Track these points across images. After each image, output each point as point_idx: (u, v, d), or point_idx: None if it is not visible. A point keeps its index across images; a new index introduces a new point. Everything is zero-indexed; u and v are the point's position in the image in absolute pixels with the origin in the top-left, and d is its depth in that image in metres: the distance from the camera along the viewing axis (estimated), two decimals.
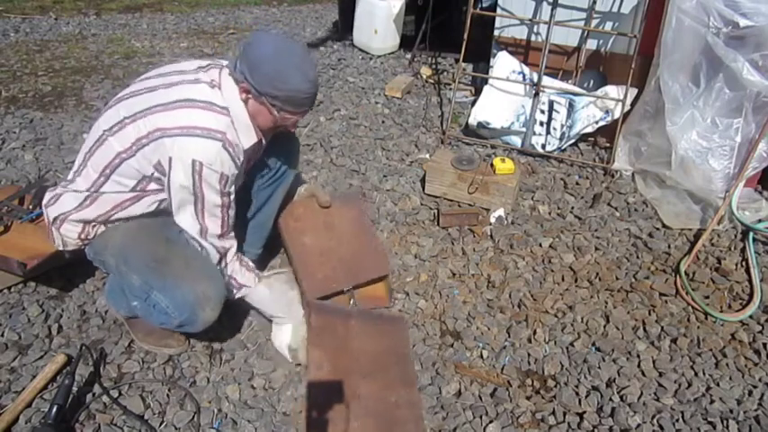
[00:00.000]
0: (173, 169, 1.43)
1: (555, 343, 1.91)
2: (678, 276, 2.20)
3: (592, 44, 3.31)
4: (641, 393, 1.72)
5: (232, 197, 1.56)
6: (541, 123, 3.14)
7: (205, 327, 1.60)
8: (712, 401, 1.70)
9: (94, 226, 1.62)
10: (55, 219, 1.60)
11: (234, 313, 1.91)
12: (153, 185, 1.54)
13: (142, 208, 1.60)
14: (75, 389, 1.60)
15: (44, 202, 1.65)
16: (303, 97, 1.49)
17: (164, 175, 1.47)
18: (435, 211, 2.59)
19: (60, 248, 1.67)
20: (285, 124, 1.58)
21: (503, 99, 3.24)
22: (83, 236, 1.62)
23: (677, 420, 1.64)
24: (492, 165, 2.63)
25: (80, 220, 1.60)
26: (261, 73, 1.43)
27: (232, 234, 1.64)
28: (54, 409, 1.48)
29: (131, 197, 1.57)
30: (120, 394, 1.66)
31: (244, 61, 1.45)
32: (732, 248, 2.38)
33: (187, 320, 1.56)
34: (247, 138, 1.55)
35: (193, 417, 1.60)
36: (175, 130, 1.41)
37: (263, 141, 1.66)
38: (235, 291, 1.68)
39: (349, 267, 1.94)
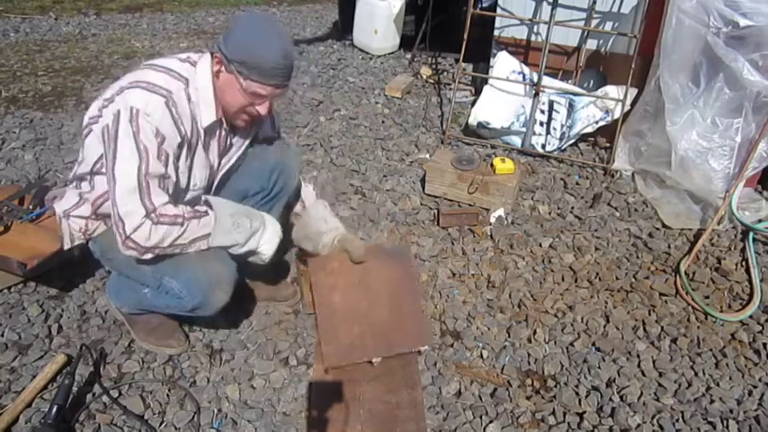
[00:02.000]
0: (118, 120, 1.39)
1: (555, 343, 1.91)
2: (678, 276, 2.20)
3: (592, 44, 3.31)
4: (641, 393, 1.72)
5: (170, 169, 1.47)
6: (541, 123, 3.14)
7: (217, 310, 1.60)
8: (712, 401, 1.70)
9: (93, 222, 1.63)
10: (64, 213, 1.62)
11: (234, 313, 1.91)
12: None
13: None
14: (75, 389, 1.60)
15: (54, 199, 1.69)
16: (271, 66, 1.44)
17: (102, 139, 1.44)
18: (435, 211, 2.59)
19: (69, 245, 1.66)
20: (255, 105, 1.52)
21: (503, 99, 3.24)
22: (84, 230, 1.63)
23: (677, 420, 1.64)
24: (492, 165, 2.63)
25: (79, 216, 1.61)
26: (233, 41, 1.45)
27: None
28: (54, 409, 1.48)
29: (103, 193, 1.55)
30: (120, 394, 1.65)
31: (222, 36, 1.48)
32: (732, 248, 2.38)
33: (200, 304, 1.57)
34: (207, 113, 1.53)
35: (193, 417, 1.60)
36: (125, 86, 1.44)
37: (225, 123, 1.63)
38: (187, 226, 1.46)
39: (381, 334, 1.66)
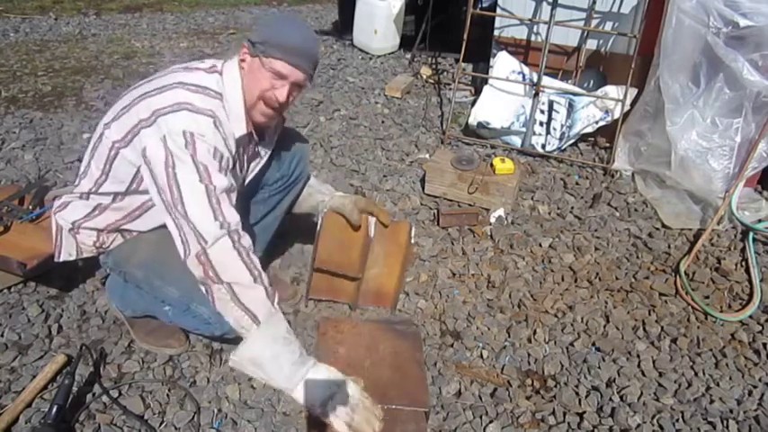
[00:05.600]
0: (167, 146, 1.36)
1: (555, 343, 1.91)
2: (678, 276, 2.20)
3: (592, 44, 3.31)
4: (641, 393, 1.72)
5: (233, 183, 1.47)
6: (541, 123, 3.14)
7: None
8: (712, 401, 1.70)
9: (108, 234, 1.62)
10: (73, 225, 1.60)
11: None
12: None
13: (151, 222, 1.58)
14: (75, 389, 1.60)
15: (53, 210, 1.65)
16: (293, 44, 1.46)
17: (150, 166, 1.39)
18: (435, 211, 2.59)
19: (72, 258, 1.65)
20: (275, 89, 1.49)
21: (503, 99, 3.25)
22: (98, 244, 1.62)
23: (677, 420, 1.64)
24: (492, 165, 2.63)
25: (93, 227, 1.59)
26: (260, 29, 1.49)
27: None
28: (54, 409, 1.48)
29: (137, 207, 1.55)
30: (120, 394, 1.65)
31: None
32: (732, 248, 2.38)
33: (229, 330, 1.55)
34: (238, 126, 1.52)
35: (193, 417, 1.60)
36: (165, 109, 1.39)
37: (254, 135, 1.63)
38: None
39: (379, 388, 1.61)
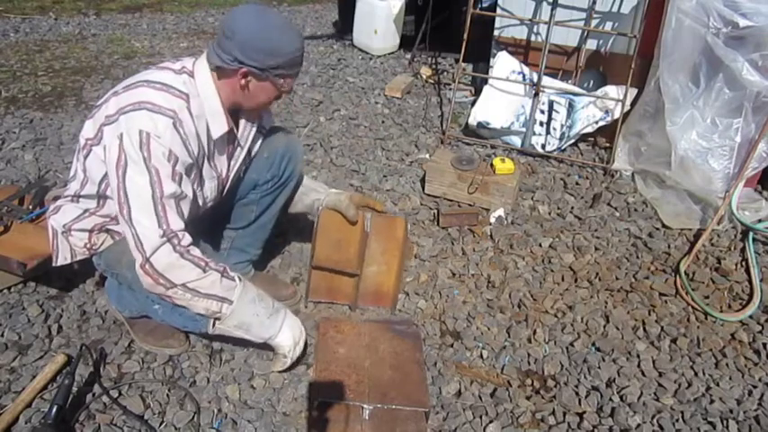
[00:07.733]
0: (122, 144, 1.35)
1: (555, 343, 1.91)
2: (678, 276, 2.20)
3: (592, 44, 3.31)
4: (641, 393, 1.72)
5: (184, 187, 1.45)
6: (541, 123, 3.14)
7: None
8: (712, 401, 1.70)
9: (98, 234, 1.62)
10: (64, 227, 1.60)
11: None
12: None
13: None
14: (75, 389, 1.60)
15: (47, 213, 1.66)
16: (299, 56, 1.50)
17: (106, 165, 1.40)
18: (435, 211, 2.59)
19: (67, 262, 1.65)
20: (284, 92, 1.56)
21: (503, 99, 3.25)
22: (89, 245, 1.62)
23: (677, 420, 1.64)
24: (492, 165, 2.63)
25: (82, 228, 1.60)
26: (257, 50, 1.41)
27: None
28: (54, 409, 1.48)
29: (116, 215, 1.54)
30: (120, 394, 1.65)
31: (232, 47, 1.41)
32: (732, 248, 2.38)
33: None
34: (217, 125, 1.52)
35: (193, 417, 1.60)
36: (127, 107, 1.38)
37: (236, 130, 1.62)
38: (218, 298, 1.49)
39: (379, 388, 1.65)
